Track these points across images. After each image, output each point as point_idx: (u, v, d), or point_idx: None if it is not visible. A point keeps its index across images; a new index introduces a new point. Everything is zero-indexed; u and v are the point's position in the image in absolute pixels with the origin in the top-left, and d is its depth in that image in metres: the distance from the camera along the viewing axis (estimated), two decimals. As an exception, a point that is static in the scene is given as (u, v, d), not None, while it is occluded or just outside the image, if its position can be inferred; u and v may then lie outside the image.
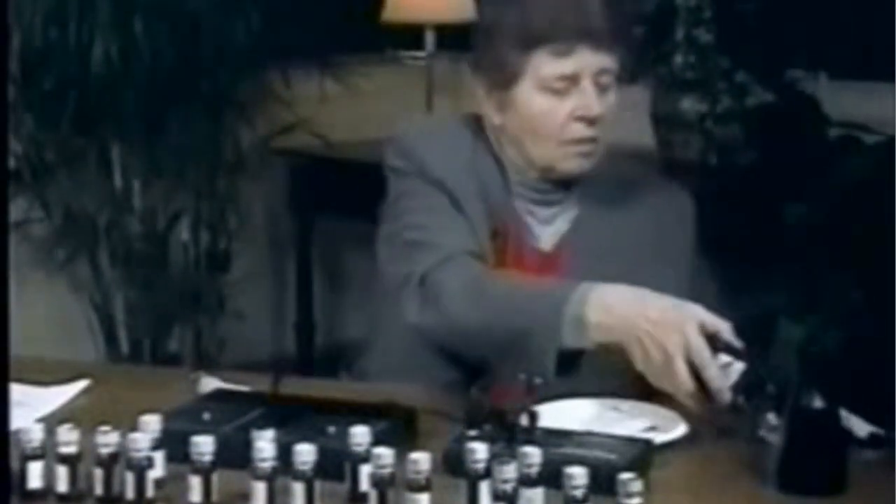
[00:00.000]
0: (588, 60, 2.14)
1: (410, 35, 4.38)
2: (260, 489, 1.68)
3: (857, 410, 1.88)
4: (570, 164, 2.20)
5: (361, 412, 1.91)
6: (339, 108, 4.00)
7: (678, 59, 3.21)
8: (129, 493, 1.71)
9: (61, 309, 3.99)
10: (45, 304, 3.90)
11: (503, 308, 2.03)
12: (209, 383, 2.12)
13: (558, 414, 1.98)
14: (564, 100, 2.16)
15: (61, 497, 1.74)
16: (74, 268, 3.97)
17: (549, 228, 2.25)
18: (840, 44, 3.26)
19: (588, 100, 2.15)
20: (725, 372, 1.90)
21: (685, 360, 1.89)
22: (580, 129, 2.16)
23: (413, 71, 4.42)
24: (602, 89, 2.16)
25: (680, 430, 1.96)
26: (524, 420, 1.85)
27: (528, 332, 1.98)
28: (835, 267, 2.94)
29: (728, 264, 3.00)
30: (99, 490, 1.73)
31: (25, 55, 3.67)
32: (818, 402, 1.81)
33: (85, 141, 3.86)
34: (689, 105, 3.22)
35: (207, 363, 3.87)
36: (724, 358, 1.91)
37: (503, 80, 2.18)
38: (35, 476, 1.75)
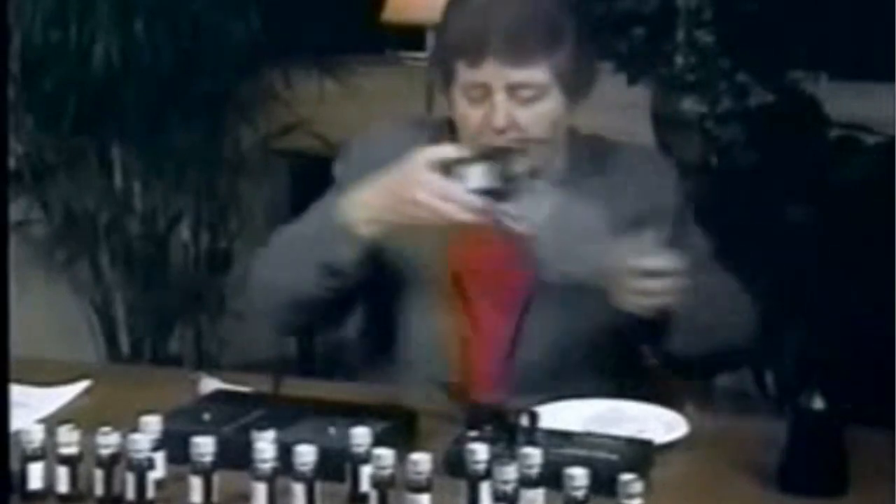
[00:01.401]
0: (498, 73, 2.16)
1: (411, 36, 4.38)
2: (260, 490, 1.68)
3: (857, 411, 1.88)
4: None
5: (362, 413, 1.91)
6: (340, 108, 3.99)
7: (679, 59, 3.21)
8: (130, 494, 1.71)
9: (62, 309, 3.98)
10: (45, 304, 3.90)
11: (289, 249, 2.20)
12: (210, 384, 2.12)
13: (558, 415, 1.98)
14: (478, 108, 2.19)
15: (62, 498, 1.75)
16: (75, 268, 3.96)
17: (527, 215, 2.27)
18: (840, 44, 3.25)
19: (494, 110, 2.17)
20: (469, 176, 2.04)
21: (442, 199, 2.03)
22: (492, 138, 2.19)
23: (414, 72, 4.41)
24: (521, 102, 2.17)
25: (681, 430, 1.97)
26: (524, 421, 1.86)
27: (309, 255, 2.14)
28: (835, 267, 2.94)
29: (727, 264, 3.00)
30: (99, 491, 1.73)
31: (26, 55, 3.67)
32: (819, 404, 1.81)
33: (85, 141, 3.86)
34: (690, 105, 3.22)
35: (208, 364, 3.87)
36: (465, 170, 2.04)
37: (444, 81, 2.24)
38: (36, 477, 1.75)
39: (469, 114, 2.20)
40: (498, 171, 2.06)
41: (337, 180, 2.31)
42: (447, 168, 2.06)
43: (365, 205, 2.11)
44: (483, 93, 2.18)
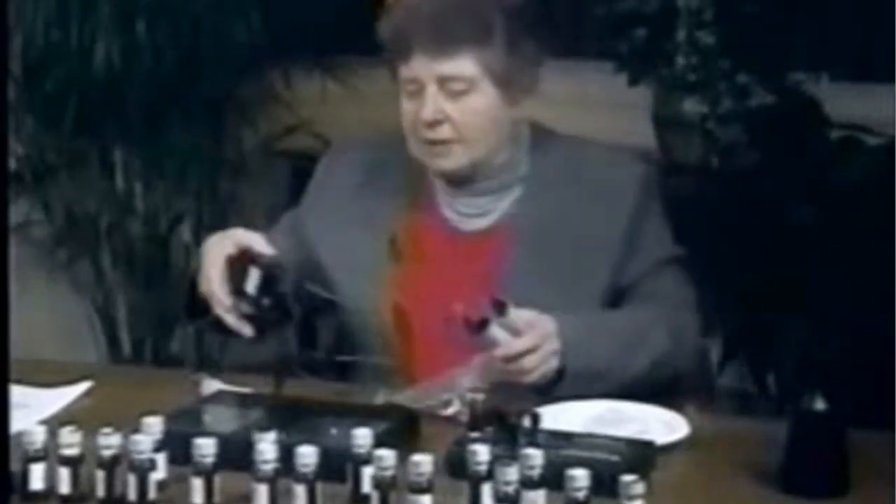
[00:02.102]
0: (426, 66, 2.22)
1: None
2: (262, 491, 1.68)
3: (857, 412, 1.88)
4: (433, 163, 2.29)
5: (363, 414, 1.91)
6: (341, 109, 3.99)
7: (680, 60, 3.21)
8: (132, 495, 1.71)
9: (63, 311, 3.98)
10: (46, 306, 3.89)
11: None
12: (211, 385, 2.12)
13: (560, 416, 1.98)
14: (414, 103, 2.25)
15: (63, 499, 1.75)
16: (76, 269, 3.96)
17: (484, 214, 2.31)
18: (841, 46, 3.25)
19: (423, 104, 2.22)
20: (249, 276, 2.10)
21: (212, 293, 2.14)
22: (425, 132, 2.24)
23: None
24: (453, 95, 2.22)
25: (682, 431, 1.96)
26: (526, 422, 1.86)
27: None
28: (836, 268, 2.94)
29: (729, 266, 3.00)
30: (101, 492, 1.73)
31: (27, 56, 3.67)
32: (820, 405, 1.81)
33: (86, 142, 3.86)
34: (691, 106, 3.22)
35: (209, 365, 3.87)
36: (253, 270, 2.10)
37: (393, 82, 2.30)
38: (37, 478, 1.75)
39: (407, 109, 2.26)
40: (268, 281, 2.11)
41: (305, 199, 2.44)
42: (243, 259, 2.13)
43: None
44: (418, 88, 2.23)
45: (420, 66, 2.22)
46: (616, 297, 2.25)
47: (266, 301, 2.10)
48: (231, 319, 2.14)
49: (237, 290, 2.11)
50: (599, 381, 2.10)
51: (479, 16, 2.21)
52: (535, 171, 2.29)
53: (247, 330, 2.14)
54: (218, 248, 2.17)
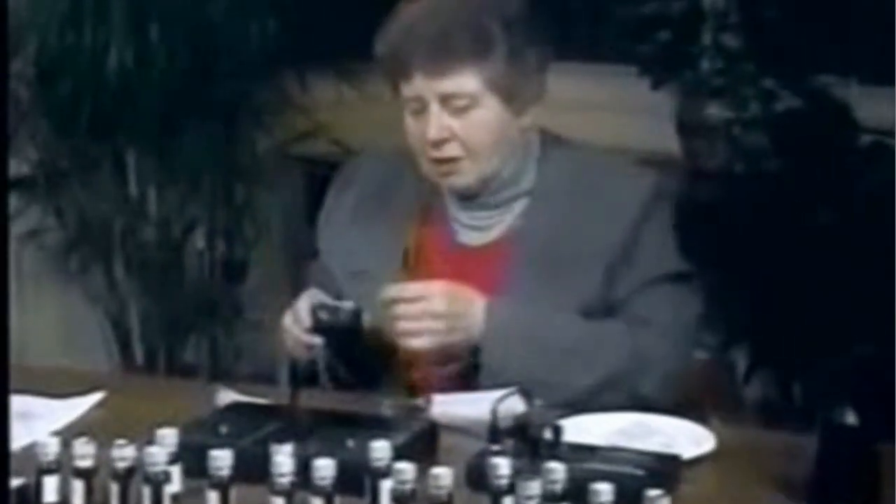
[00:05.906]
0: (427, 85, 2.21)
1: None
2: (279, 505, 1.66)
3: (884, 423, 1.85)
4: (443, 182, 2.28)
5: (382, 425, 1.90)
6: (357, 114, 3.98)
7: (705, 64, 3.19)
8: (146, 509, 1.69)
9: (75, 319, 3.97)
10: (59, 313, 3.89)
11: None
12: (226, 396, 2.11)
13: (583, 428, 1.96)
14: (419, 122, 2.24)
15: (77, 511, 1.73)
16: (89, 276, 3.96)
17: (490, 227, 2.30)
18: (871, 48, 3.22)
19: (428, 122, 2.21)
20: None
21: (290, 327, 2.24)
22: (432, 151, 2.24)
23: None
24: (456, 112, 2.21)
25: (708, 444, 1.94)
26: (548, 434, 1.84)
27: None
28: (865, 276, 2.92)
29: (755, 272, 2.99)
30: (115, 505, 1.71)
31: (41, 60, 3.67)
32: (849, 418, 1.79)
33: (100, 148, 3.85)
34: (716, 111, 3.21)
35: (223, 374, 3.86)
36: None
37: (395, 102, 2.29)
38: (51, 490, 1.73)
39: (413, 128, 2.25)
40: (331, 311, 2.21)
41: (322, 211, 2.43)
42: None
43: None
44: (421, 106, 2.22)
45: (421, 85, 2.21)
46: (607, 313, 2.22)
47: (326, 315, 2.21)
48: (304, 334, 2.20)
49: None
50: (537, 387, 2.05)
51: (478, 30, 2.20)
52: (542, 184, 2.28)
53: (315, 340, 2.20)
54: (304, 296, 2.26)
